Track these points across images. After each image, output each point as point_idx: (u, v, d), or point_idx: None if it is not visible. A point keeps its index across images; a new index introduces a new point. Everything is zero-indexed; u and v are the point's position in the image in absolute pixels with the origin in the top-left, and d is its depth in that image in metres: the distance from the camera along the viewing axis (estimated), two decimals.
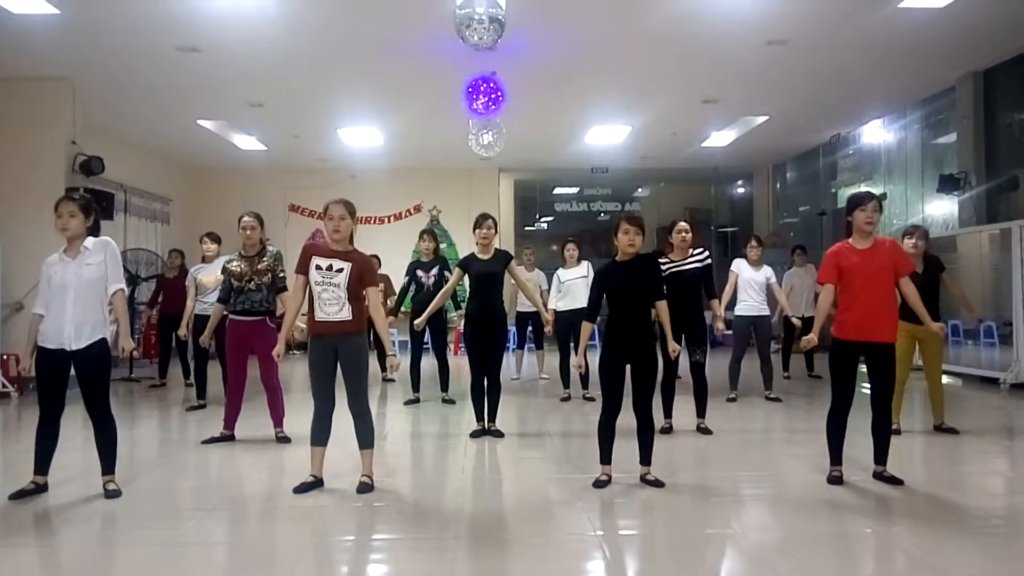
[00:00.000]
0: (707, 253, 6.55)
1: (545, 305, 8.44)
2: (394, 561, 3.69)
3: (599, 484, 4.76)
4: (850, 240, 4.85)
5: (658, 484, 4.74)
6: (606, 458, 4.83)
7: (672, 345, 5.14)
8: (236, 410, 6.32)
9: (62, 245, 4.70)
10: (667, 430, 6.40)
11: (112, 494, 4.64)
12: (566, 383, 8.46)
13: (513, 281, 6.78)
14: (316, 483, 4.77)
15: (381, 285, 5.11)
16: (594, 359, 4.82)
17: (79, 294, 4.55)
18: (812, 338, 4.91)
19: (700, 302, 6.48)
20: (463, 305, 7.30)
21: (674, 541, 3.96)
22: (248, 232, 6.22)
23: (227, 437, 6.29)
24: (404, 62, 8.82)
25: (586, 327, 4.94)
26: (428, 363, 8.64)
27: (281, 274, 6.30)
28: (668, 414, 6.50)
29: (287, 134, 12.40)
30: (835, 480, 4.80)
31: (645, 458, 4.84)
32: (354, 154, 13.63)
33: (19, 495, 4.58)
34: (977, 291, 10.02)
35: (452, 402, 8.14)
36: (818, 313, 4.95)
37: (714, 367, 8.62)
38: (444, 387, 8.27)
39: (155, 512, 4.44)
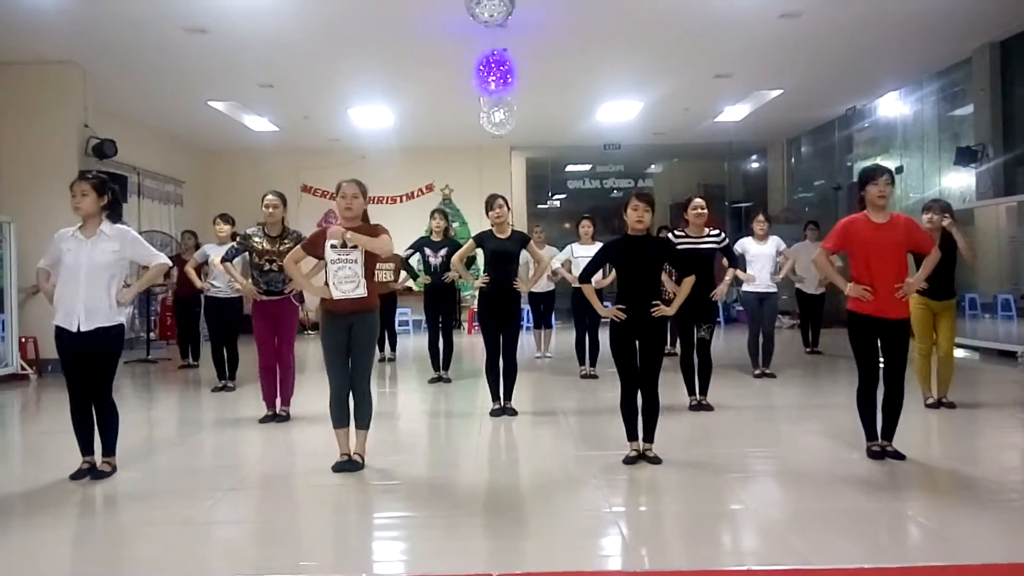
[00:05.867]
0: (723, 235, 6.54)
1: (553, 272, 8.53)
2: (408, 539, 3.72)
3: (629, 460, 4.76)
4: (866, 212, 4.77)
5: (656, 461, 4.73)
6: (632, 435, 4.82)
7: (663, 309, 4.72)
8: (274, 388, 6.32)
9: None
10: (695, 406, 6.42)
11: (102, 474, 4.68)
12: (581, 360, 8.48)
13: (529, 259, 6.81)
14: (350, 461, 4.79)
15: (391, 265, 5.10)
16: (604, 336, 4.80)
17: (89, 276, 4.57)
18: (855, 286, 4.66)
19: (711, 280, 6.46)
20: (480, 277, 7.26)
21: (690, 517, 3.97)
22: (271, 210, 6.24)
23: (280, 416, 6.31)
24: (414, 39, 8.76)
25: (586, 288, 5.08)
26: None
27: None
28: (691, 391, 6.50)
29: (298, 115, 12.38)
30: (874, 455, 4.74)
31: (648, 435, 4.82)
32: (365, 134, 13.59)
33: (77, 475, 4.66)
34: (994, 264, 9.94)
35: (448, 380, 8.14)
36: (826, 273, 4.98)
37: (731, 345, 8.67)
38: (445, 366, 8.27)
39: (174, 491, 4.48)
